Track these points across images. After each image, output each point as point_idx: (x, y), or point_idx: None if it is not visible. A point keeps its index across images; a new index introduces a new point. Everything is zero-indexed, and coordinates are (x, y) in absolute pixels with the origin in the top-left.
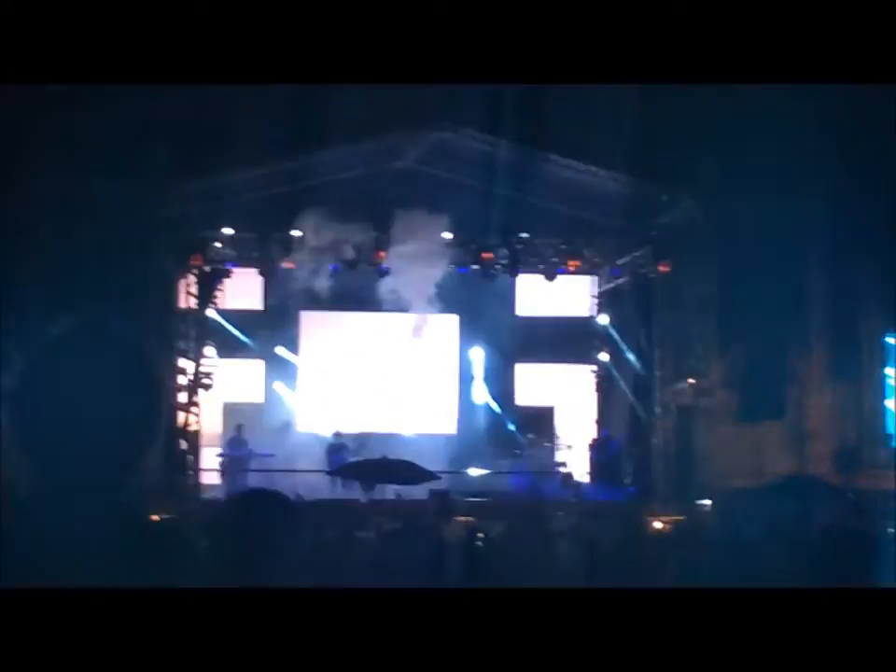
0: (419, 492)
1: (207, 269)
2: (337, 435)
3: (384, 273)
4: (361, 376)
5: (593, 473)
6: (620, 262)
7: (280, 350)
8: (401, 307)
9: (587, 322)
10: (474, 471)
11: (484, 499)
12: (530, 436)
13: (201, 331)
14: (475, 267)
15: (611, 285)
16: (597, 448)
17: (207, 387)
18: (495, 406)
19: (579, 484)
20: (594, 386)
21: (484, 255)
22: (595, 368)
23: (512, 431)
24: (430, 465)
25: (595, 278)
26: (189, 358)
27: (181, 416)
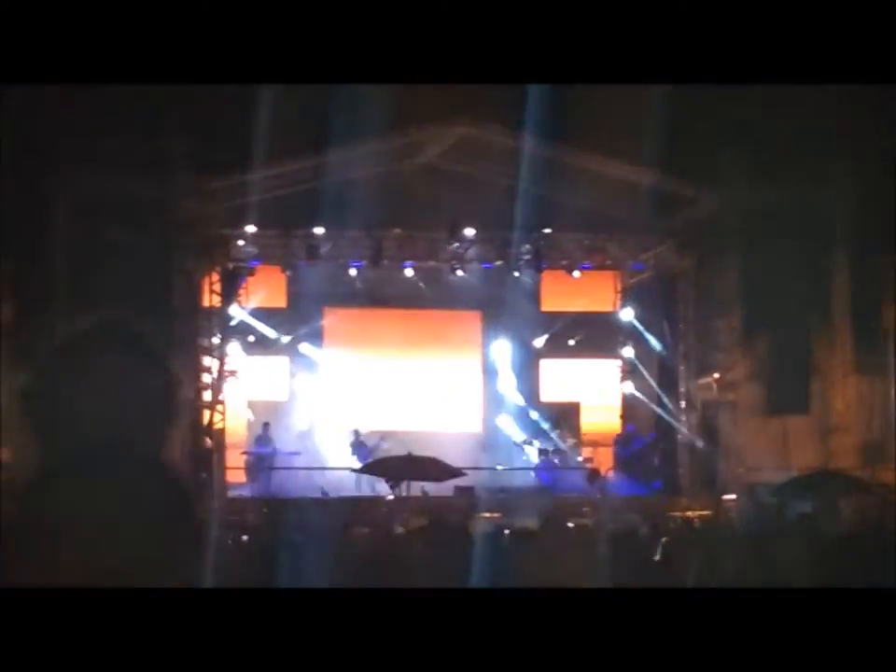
0: (445, 488)
1: (230, 266)
2: (362, 432)
3: (407, 269)
4: (386, 373)
5: (618, 468)
6: (643, 257)
7: (304, 347)
8: (425, 304)
9: (611, 317)
10: (500, 468)
11: (510, 495)
12: (555, 432)
13: (225, 329)
14: (499, 263)
15: (635, 280)
16: (622, 443)
17: (232, 385)
18: (520, 402)
19: (604, 480)
20: (618, 381)
21: (507, 251)
22: (619, 363)
23: (537, 427)
24: (456, 461)
25: (619, 273)
26: (213, 356)
27: (206, 414)
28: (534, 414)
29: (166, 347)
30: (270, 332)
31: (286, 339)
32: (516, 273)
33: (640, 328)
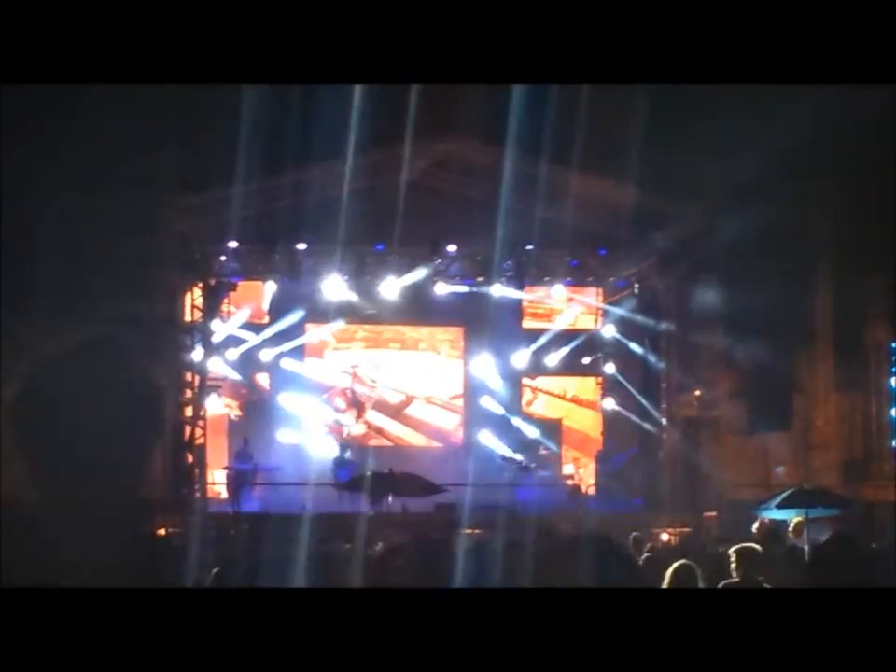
0: (426, 504)
1: (212, 282)
2: (343, 448)
3: (389, 285)
4: (367, 388)
5: (599, 485)
6: (626, 274)
7: (286, 362)
8: (406, 319)
9: (593, 334)
10: (481, 484)
11: (491, 512)
12: (537, 447)
13: (206, 344)
14: (481, 279)
15: (617, 296)
16: (603, 460)
17: (213, 400)
18: (501, 418)
19: (586, 496)
20: (599, 398)
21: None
22: (600, 379)
23: (519, 443)
24: (437, 477)
25: (602, 290)
26: (194, 371)
27: (187, 430)
28: (515, 430)
29: (149, 362)
30: (251, 347)
31: (267, 354)
32: (498, 289)
33: (622, 344)
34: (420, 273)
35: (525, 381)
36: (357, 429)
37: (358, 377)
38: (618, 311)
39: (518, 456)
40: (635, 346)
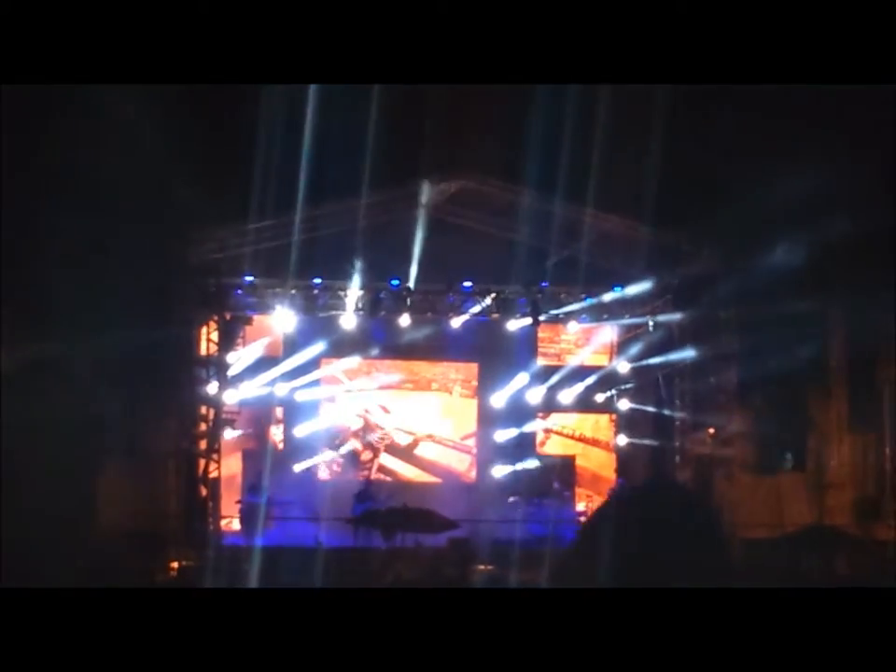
0: (439, 540)
1: (228, 316)
2: (364, 482)
3: (405, 320)
4: (381, 423)
5: None
6: (640, 311)
7: (301, 395)
8: (421, 354)
9: (607, 371)
10: (494, 520)
11: (504, 548)
12: (551, 485)
13: (221, 378)
14: (496, 315)
15: (631, 333)
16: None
17: (228, 433)
18: (515, 454)
19: None
20: (612, 435)
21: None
22: (614, 416)
23: (532, 480)
24: (450, 513)
25: (616, 327)
26: (209, 404)
27: (201, 463)
28: (529, 466)
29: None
30: (266, 381)
31: (282, 388)
32: (513, 325)
33: (636, 382)
34: (435, 309)
35: (539, 421)
36: (370, 471)
37: (369, 422)
38: (632, 348)
39: (531, 493)
40: (648, 384)
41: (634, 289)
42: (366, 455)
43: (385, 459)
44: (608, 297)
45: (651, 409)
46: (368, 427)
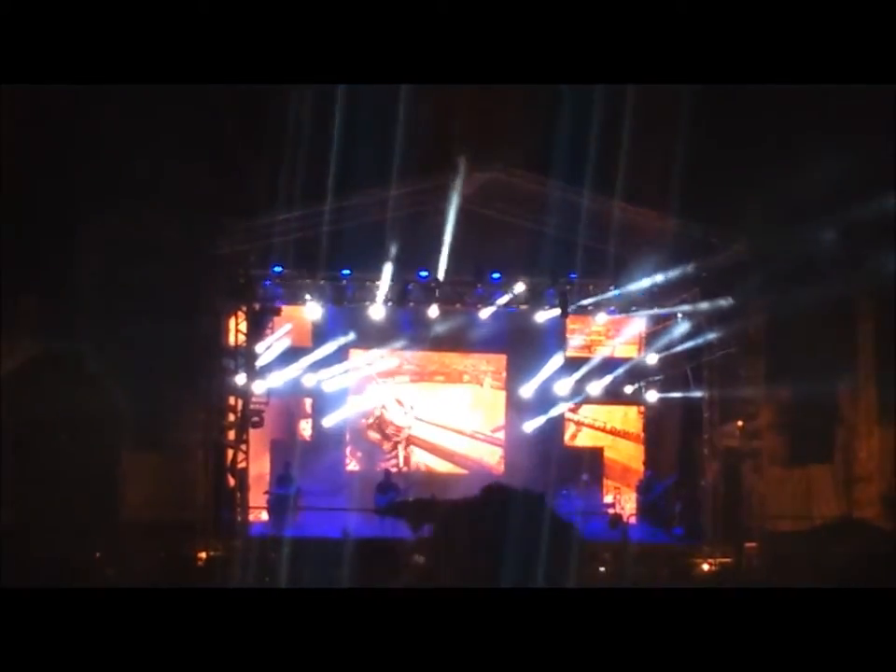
0: None
1: (256, 307)
2: (385, 473)
3: (433, 311)
4: (409, 414)
5: (640, 514)
6: (669, 303)
7: (329, 386)
8: (450, 346)
9: (635, 362)
10: None
11: None
12: (578, 476)
13: (250, 368)
14: (524, 307)
15: (660, 325)
16: (644, 489)
17: (256, 424)
18: (543, 445)
19: (626, 525)
20: (641, 427)
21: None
22: (642, 408)
23: (561, 471)
24: None
25: (644, 319)
26: (237, 395)
27: (229, 453)
28: (557, 459)
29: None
30: (295, 372)
31: (311, 379)
32: (541, 317)
33: (664, 373)
34: (464, 301)
35: (568, 414)
36: (399, 461)
37: (385, 416)
38: (661, 340)
39: (559, 484)
40: (677, 375)
41: (662, 281)
42: (386, 447)
43: (412, 452)
44: (636, 288)
45: (678, 401)
46: (384, 420)
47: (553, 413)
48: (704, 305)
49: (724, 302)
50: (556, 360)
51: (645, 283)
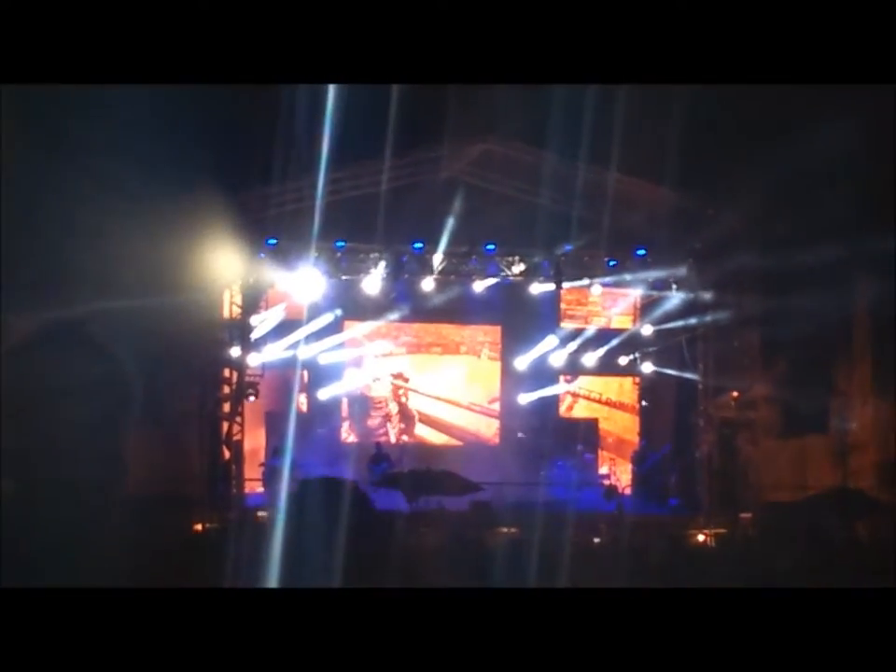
0: (461, 503)
1: (251, 279)
2: (376, 445)
3: (427, 283)
4: (404, 386)
5: (635, 486)
6: (663, 275)
7: (323, 359)
8: (444, 317)
9: (630, 334)
10: (517, 483)
11: (527, 511)
12: (573, 447)
13: (244, 341)
14: (519, 278)
15: (655, 297)
16: (639, 460)
17: (251, 396)
18: (538, 417)
19: (622, 496)
20: (636, 398)
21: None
22: (637, 379)
23: (555, 442)
24: (473, 476)
25: (639, 290)
26: (233, 367)
27: (225, 426)
28: (552, 430)
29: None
30: (289, 344)
31: (306, 350)
32: (536, 288)
33: (659, 345)
34: (458, 272)
35: (564, 384)
36: (394, 425)
37: (398, 386)
38: (655, 311)
39: (554, 456)
40: (672, 347)
41: (657, 252)
42: (375, 421)
43: (408, 423)
44: (630, 260)
45: (673, 372)
46: (397, 389)
47: (550, 391)
48: (698, 277)
49: (718, 274)
50: (551, 332)
51: (639, 254)
